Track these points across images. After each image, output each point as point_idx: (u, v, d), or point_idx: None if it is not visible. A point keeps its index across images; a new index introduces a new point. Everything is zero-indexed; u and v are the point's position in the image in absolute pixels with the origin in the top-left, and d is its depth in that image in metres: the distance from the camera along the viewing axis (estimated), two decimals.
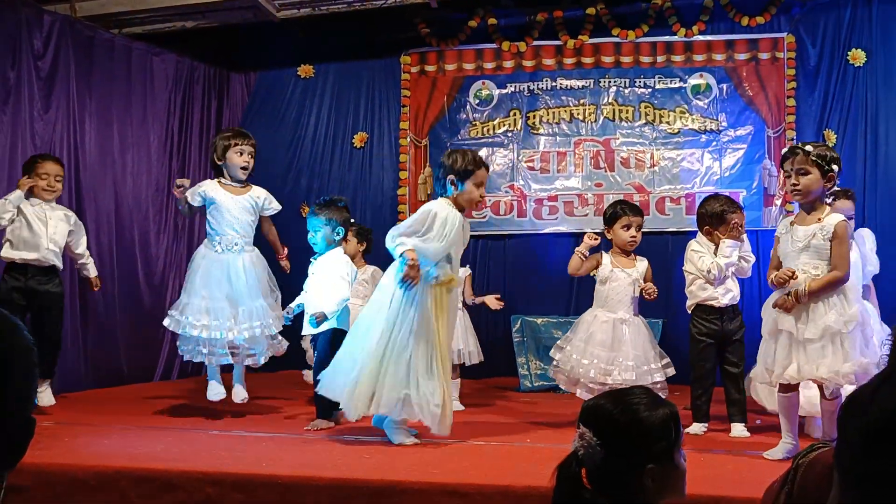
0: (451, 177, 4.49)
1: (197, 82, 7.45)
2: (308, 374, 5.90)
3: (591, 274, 5.27)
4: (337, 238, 5.21)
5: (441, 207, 4.48)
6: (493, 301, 5.91)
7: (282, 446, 4.40)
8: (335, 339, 4.88)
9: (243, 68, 7.81)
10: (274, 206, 5.43)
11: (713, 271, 4.89)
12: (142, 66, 6.95)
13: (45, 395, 5.16)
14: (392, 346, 4.37)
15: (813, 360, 3.96)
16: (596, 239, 5.19)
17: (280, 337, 5.30)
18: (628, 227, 5.14)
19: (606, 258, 5.19)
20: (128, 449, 4.23)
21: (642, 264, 5.21)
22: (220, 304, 5.06)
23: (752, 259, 5.19)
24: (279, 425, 5.02)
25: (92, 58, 6.50)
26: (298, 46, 7.57)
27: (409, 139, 7.52)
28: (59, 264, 5.33)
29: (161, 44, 7.09)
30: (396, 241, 4.42)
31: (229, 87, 7.80)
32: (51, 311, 5.27)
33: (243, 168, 5.26)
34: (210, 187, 5.25)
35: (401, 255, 4.38)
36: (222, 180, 5.28)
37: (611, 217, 5.23)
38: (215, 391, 5.25)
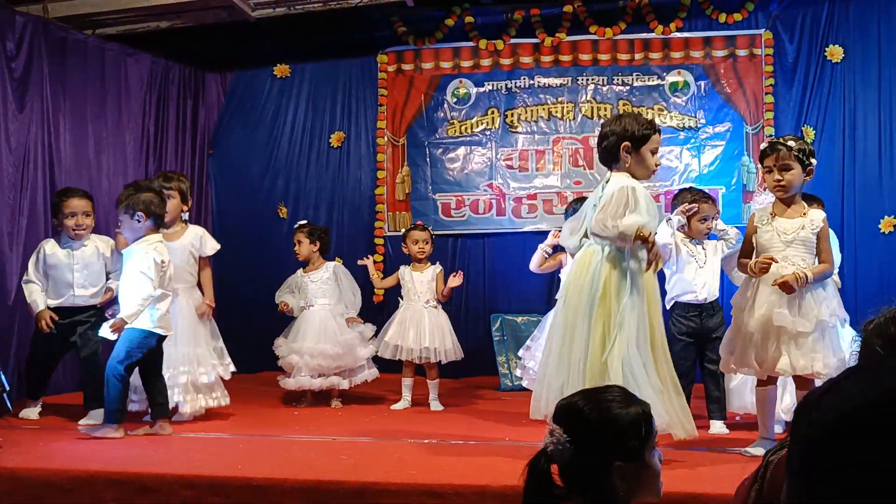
0: (625, 144, 3.95)
1: (172, 83, 7.38)
2: (282, 379, 5.85)
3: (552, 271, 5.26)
4: (139, 225, 4.67)
5: (630, 181, 3.91)
6: (452, 280, 5.85)
7: (257, 448, 4.37)
8: (145, 342, 4.66)
9: (219, 68, 7.74)
10: (209, 246, 5.32)
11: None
12: (116, 66, 6.87)
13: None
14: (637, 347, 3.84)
15: (807, 354, 3.98)
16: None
17: (219, 388, 5.23)
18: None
19: (569, 259, 5.16)
20: (103, 452, 4.21)
21: None
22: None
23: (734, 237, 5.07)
24: (254, 427, 4.97)
25: (65, 59, 6.43)
26: (274, 46, 7.52)
27: (386, 138, 7.48)
28: (98, 301, 5.24)
29: (135, 44, 7.01)
30: (615, 226, 3.78)
31: (205, 88, 7.73)
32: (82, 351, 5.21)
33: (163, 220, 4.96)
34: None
35: (616, 242, 3.84)
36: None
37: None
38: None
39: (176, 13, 6.78)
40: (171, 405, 4.92)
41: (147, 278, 4.59)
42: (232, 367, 5.33)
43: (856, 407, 0.94)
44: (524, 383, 5.15)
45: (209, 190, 7.69)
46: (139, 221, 4.65)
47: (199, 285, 5.41)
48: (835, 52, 6.93)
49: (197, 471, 3.78)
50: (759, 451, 4.07)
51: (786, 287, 3.99)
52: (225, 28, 7.08)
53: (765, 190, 6.69)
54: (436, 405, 5.75)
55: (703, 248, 5.05)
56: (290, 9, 6.86)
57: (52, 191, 6.19)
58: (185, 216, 5.40)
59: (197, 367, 5.08)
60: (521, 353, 5.27)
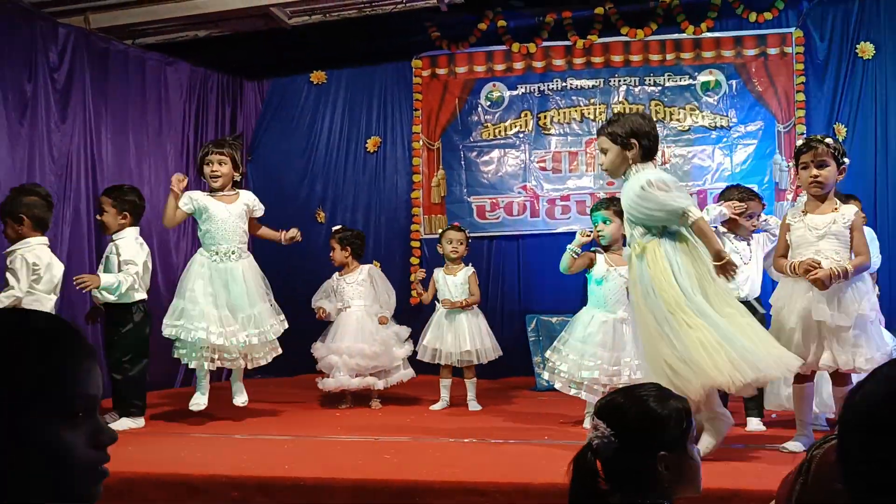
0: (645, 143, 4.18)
1: (211, 91, 7.52)
2: (321, 381, 5.96)
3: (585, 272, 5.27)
4: (19, 228, 4.79)
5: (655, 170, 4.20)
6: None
7: (303, 448, 4.45)
8: None
9: (256, 76, 7.88)
10: (259, 208, 5.47)
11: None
12: (156, 75, 7.02)
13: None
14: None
15: (848, 349, 4.00)
16: (588, 235, 5.20)
17: (276, 341, 5.39)
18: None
19: (600, 258, 5.18)
20: (150, 454, 4.27)
21: None
22: (224, 311, 5.14)
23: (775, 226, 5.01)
24: (297, 428, 5.07)
25: (107, 69, 6.58)
26: (310, 53, 7.63)
27: (421, 142, 7.57)
28: (111, 300, 5.21)
29: (174, 53, 7.16)
30: (691, 210, 4.01)
31: (243, 95, 7.87)
32: (107, 347, 5.25)
33: (213, 177, 5.32)
34: (199, 195, 5.34)
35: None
36: (209, 192, 5.38)
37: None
38: (198, 401, 5.24)
39: (214, 22, 6.92)
40: (244, 360, 5.24)
41: (15, 279, 4.67)
42: (285, 325, 5.44)
43: (880, 397, 0.99)
44: (557, 385, 5.18)
45: None
46: (19, 224, 4.76)
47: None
48: (866, 49, 6.92)
49: (244, 471, 3.83)
50: (798, 447, 4.11)
51: (818, 283, 4.02)
52: (262, 36, 7.20)
53: (795, 191, 6.73)
54: (474, 405, 5.83)
55: (749, 245, 5.07)
56: (326, 16, 6.97)
57: (94, 200, 6.33)
58: (239, 179, 5.51)
59: (262, 325, 5.24)
60: (548, 354, 5.27)
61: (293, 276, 7.19)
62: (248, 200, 5.41)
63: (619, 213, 4.90)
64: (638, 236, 4.12)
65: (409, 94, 7.60)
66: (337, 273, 6.19)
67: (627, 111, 7.29)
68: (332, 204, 7.70)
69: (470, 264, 6.14)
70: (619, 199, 5.19)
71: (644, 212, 4.05)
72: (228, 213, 5.28)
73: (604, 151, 4.25)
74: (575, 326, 5.14)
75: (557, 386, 5.15)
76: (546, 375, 5.30)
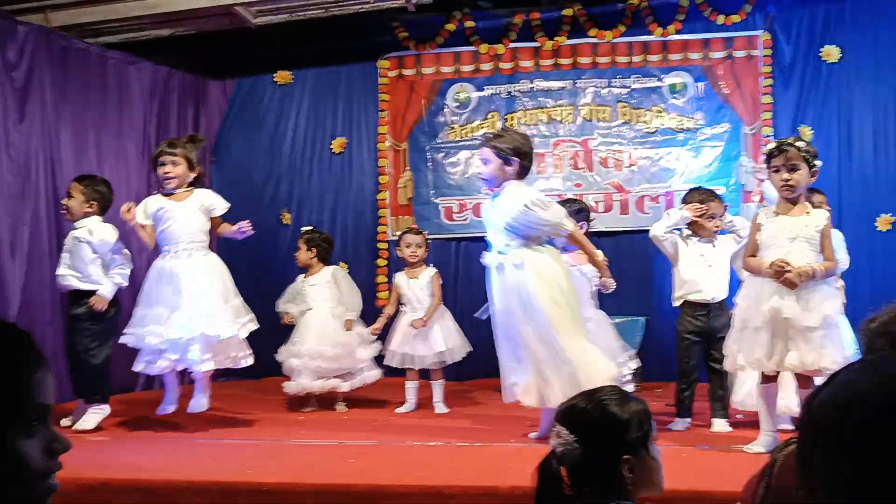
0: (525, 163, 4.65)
1: (174, 90, 7.41)
2: (285, 384, 5.88)
3: None
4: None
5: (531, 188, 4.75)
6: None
7: (266, 453, 4.40)
8: None
9: (221, 76, 7.78)
10: (219, 206, 5.25)
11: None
12: (117, 75, 6.90)
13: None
14: None
15: (815, 349, 4.01)
16: None
17: (244, 349, 5.14)
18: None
19: (564, 257, 5.18)
20: (111, 459, 4.22)
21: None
22: (174, 312, 4.93)
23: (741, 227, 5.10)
24: (261, 432, 5.01)
25: (67, 68, 6.46)
26: (276, 53, 7.55)
27: (388, 143, 7.52)
28: (84, 286, 5.17)
29: (137, 52, 7.04)
30: (565, 223, 4.60)
31: (207, 95, 7.77)
32: (73, 334, 5.20)
33: (166, 179, 5.15)
34: (153, 201, 5.19)
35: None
36: (163, 191, 5.23)
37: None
38: (164, 406, 5.12)
39: (177, 21, 6.82)
40: (187, 364, 4.98)
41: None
42: (252, 325, 5.20)
43: (846, 401, 0.97)
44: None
45: None
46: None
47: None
48: (831, 53, 6.98)
49: (206, 476, 3.79)
50: (761, 448, 4.12)
51: (788, 283, 4.03)
52: (226, 35, 7.12)
53: (760, 200, 6.77)
54: (441, 407, 5.79)
55: (713, 247, 5.08)
56: (292, 15, 6.90)
57: (54, 200, 6.21)
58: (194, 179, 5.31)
59: (214, 324, 4.96)
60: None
61: (259, 278, 7.11)
62: (203, 198, 5.23)
63: (573, 214, 5.11)
64: (515, 247, 4.52)
65: (376, 95, 7.54)
66: (301, 275, 6.13)
67: (594, 113, 7.32)
68: (297, 205, 7.62)
69: (431, 265, 6.11)
70: (569, 201, 5.27)
71: (526, 227, 4.50)
72: (181, 212, 5.11)
73: (485, 162, 4.63)
74: None
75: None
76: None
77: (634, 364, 5.10)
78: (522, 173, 4.65)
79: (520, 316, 4.50)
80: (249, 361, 5.19)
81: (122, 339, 5.06)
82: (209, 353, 4.96)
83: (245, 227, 5.28)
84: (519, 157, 4.58)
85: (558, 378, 4.39)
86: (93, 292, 5.12)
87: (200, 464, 4.11)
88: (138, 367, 5.07)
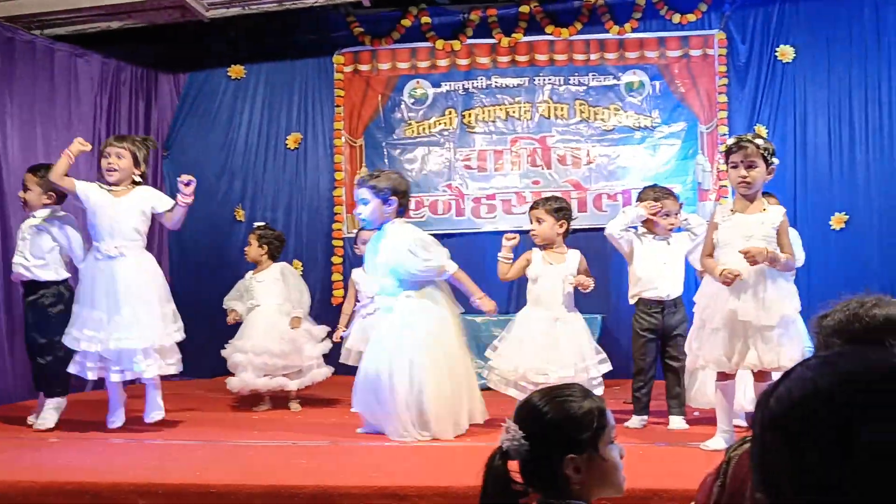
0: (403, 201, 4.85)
1: (124, 84, 7.25)
2: (228, 381, 5.78)
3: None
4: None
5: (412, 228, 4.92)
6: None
7: (215, 454, 4.29)
8: None
9: (172, 69, 7.62)
10: (162, 203, 5.07)
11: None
12: (65, 67, 6.73)
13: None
14: None
15: (773, 348, 4.01)
16: (514, 238, 5.18)
17: (174, 355, 4.98)
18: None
19: (537, 255, 5.14)
20: (56, 461, 4.12)
21: (573, 258, 5.14)
22: (99, 314, 4.79)
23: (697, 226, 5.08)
24: (210, 432, 4.89)
25: (12, 60, 6.28)
26: (229, 47, 7.42)
27: (343, 139, 7.42)
28: (41, 277, 5.09)
29: (85, 45, 6.88)
30: (447, 265, 4.80)
31: (158, 89, 7.60)
32: (32, 325, 5.10)
33: (108, 171, 4.96)
34: (88, 185, 4.98)
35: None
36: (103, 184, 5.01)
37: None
38: (112, 418, 4.92)
39: (127, 13, 6.67)
40: (121, 371, 4.82)
41: None
42: (179, 336, 5.04)
43: (801, 398, 0.96)
44: (491, 385, 5.14)
45: (164, 192, 7.53)
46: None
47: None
48: (785, 52, 7.03)
49: (152, 478, 3.69)
50: (718, 444, 4.11)
51: (750, 258, 4.01)
52: (178, 28, 6.98)
53: (718, 192, 6.81)
54: None
55: (669, 244, 5.07)
56: (245, 8, 6.78)
57: (0, 195, 6.06)
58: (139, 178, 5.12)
59: (154, 332, 4.84)
60: (487, 353, 5.24)
61: (212, 275, 7.01)
62: (144, 196, 5.02)
63: (551, 212, 5.11)
64: (395, 288, 4.71)
65: (331, 91, 7.44)
66: (250, 272, 6.04)
67: (552, 110, 7.30)
68: (251, 202, 7.49)
69: None
70: (550, 199, 5.23)
71: (410, 269, 4.66)
72: (114, 207, 4.90)
73: (363, 202, 4.75)
74: (513, 325, 5.12)
75: (492, 386, 5.12)
76: (485, 374, 5.26)
77: (605, 367, 5.05)
78: (401, 212, 4.81)
79: (386, 356, 4.63)
80: (179, 368, 5.06)
81: (64, 339, 4.87)
82: (151, 359, 4.84)
83: (185, 181, 5.00)
84: (397, 196, 4.72)
85: (399, 416, 4.54)
86: (53, 281, 5.06)
87: (148, 466, 4.00)
88: (73, 368, 4.89)
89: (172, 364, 5.00)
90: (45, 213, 5.14)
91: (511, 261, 5.18)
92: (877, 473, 0.88)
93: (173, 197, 5.10)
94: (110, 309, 4.78)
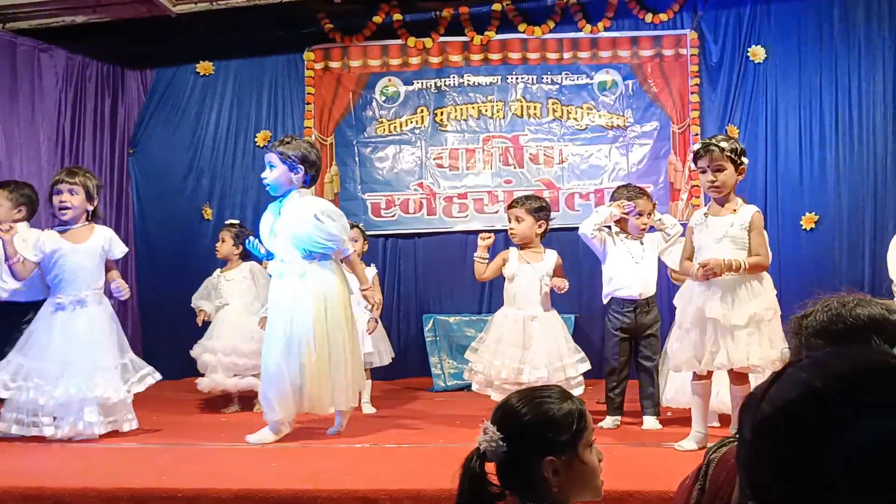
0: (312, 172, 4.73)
1: (89, 80, 7.10)
2: (200, 381, 5.69)
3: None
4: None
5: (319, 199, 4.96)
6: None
7: (183, 457, 4.20)
8: None
9: (139, 65, 7.47)
10: (119, 249, 4.95)
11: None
12: (28, 62, 6.58)
13: None
14: None
15: (742, 347, 4.01)
16: (489, 237, 5.17)
17: (129, 412, 4.77)
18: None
19: (513, 254, 5.13)
20: (17, 466, 4.02)
21: (550, 258, 5.14)
22: (48, 365, 4.59)
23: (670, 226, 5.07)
24: (178, 435, 4.79)
25: None
26: (197, 42, 7.28)
27: (314, 137, 7.32)
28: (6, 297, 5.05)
29: (49, 39, 6.73)
30: (347, 243, 4.72)
31: (124, 85, 7.44)
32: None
33: (62, 209, 4.80)
34: (50, 239, 4.79)
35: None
36: (58, 228, 4.85)
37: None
38: None
39: (92, 7, 6.53)
40: (75, 425, 4.58)
41: None
42: (151, 379, 4.91)
43: (795, 399, 0.96)
44: (474, 387, 5.11)
45: (130, 191, 7.42)
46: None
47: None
48: (757, 53, 7.05)
49: (119, 483, 3.62)
50: (692, 445, 4.10)
51: (708, 271, 4.01)
52: (145, 23, 6.84)
53: (689, 192, 6.82)
54: (368, 408, 5.65)
55: (642, 244, 5.06)
56: (213, 4, 6.67)
57: None
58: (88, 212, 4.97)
59: (101, 383, 4.64)
60: (466, 354, 5.22)
61: (178, 275, 6.89)
62: (104, 240, 4.87)
63: (531, 212, 5.12)
64: (298, 258, 4.57)
65: (301, 88, 7.33)
66: (218, 270, 5.95)
67: (524, 109, 7.27)
68: (219, 200, 7.37)
69: (373, 265, 6.02)
70: (531, 198, 5.20)
71: (314, 237, 4.54)
72: (78, 256, 4.76)
73: (270, 167, 4.65)
74: (491, 326, 5.10)
75: (475, 388, 5.10)
76: (466, 375, 5.23)
77: (584, 367, 5.02)
78: (309, 182, 4.71)
79: (287, 323, 4.54)
80: (134, 426, 4.79)
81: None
82: (102, 416, 4.64)
83: (121, 288, 4.90)
84: (304, 166, 4.61)
85: (282, 391, 4.50)
86: (31, 304, 4.98)
87: (113, 470, 3.92)
88: (4, 425, 4.58)
89: (127, 420, 4.77)
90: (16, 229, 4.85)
91: (487, 261, 5.15)
92: (870, 474, 0.87)
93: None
94: (62, 361, 4.60)
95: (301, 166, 4.60)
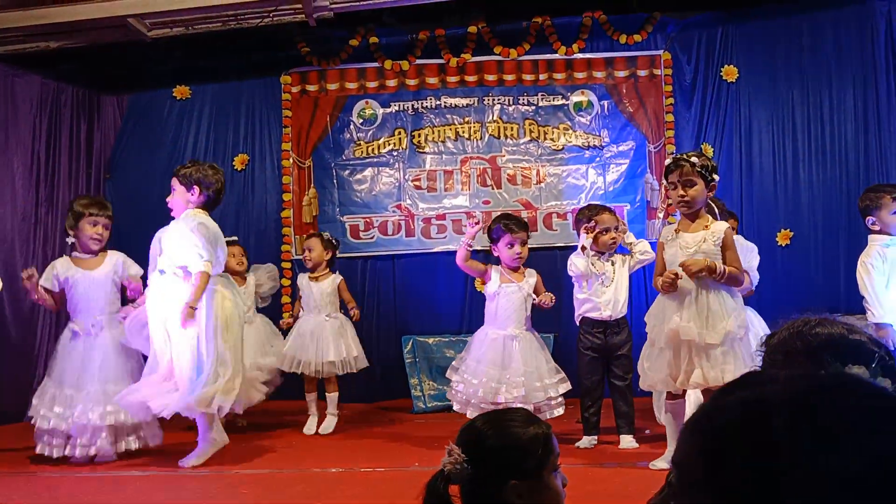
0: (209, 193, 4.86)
1: (65, 105, 7.07)
2: None
3: (479, 290, 5.20)
4: None
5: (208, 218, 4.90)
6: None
7: (155, 485, 4.16)
8: None
9: (115, 90, 7.45)
10: (133, 270, 5.08)
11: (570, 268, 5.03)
12: (2, 88, 6.56)
13: None
14: None
15: (717, 365, 4.01)
16: (478, 223, 5.18)
17: (154, 429, 4.90)
18: (512, 244, 5.07)
19: (495, 273, 5.12)
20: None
21: (532, 277, 5.15)
22: (68, 391, 4.74)
23: (641, 250, 5.15)
24: (152, 461, 4.74)
25: None
26: (173, 67, 7.28)
27: (291, 160, 7.33)
28: None
29: (23, 65, 6.70)
30: (200, 263, 4.63)
31: (100, 110, 7.41)
32: None
33: (95, 239, 4.96)
34: (62, 266, 4.94)
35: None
36: (74, 255, 4.99)
37: (494, 236, 5.16)
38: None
39: (67, 33, 6.51)
40: (92, 448, 4.70)
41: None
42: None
43: (764, 410, 0.94)
44: (455, 407, 5.09)
45: None
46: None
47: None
48: (730, 72, 7.12)
49: None
50: (667, 464, 4.08)
51: (686, 269, 4.01)
52: (120, 48, 6.84)
53: (666, 211, 6.85)
54: (331, 420, 5.64)
55: (612, 264, 5.06)
56: (189, 28, 6.67)
57: None
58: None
59: (113, 409, 4.71)
60: (448, 374, 5.20)
61: None
62: (115, 264, 5.01)
63: (527, 241, 5.17)
64: (176, 266, 4.64)
65: (279, 111, 7.34)
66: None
67: (501, 130, 7.29)
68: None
69: (337, 272, 6.00)
70: (513, 218, 5.20)
71: (183, 247, 4.61)
72: (91, 282, 4.91)
73: (172, 189, 4.84)
74: (472, 345, 5.09)
75: (456, 407, 5.07)
76: (448, 395, 5.21)
77: (565, 387, 5.01)
78: (207, 204, 4.81)
79: (166, 332, 4.61)
80: (158, 441, 4.94)
81: (31, 412, 4.81)
82: (115, 439, 4.79)
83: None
84: (199, 186, 4.73)
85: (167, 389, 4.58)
86: None
87: (83, 499, 3.86)
88: (40, 447, 4.77)
89: (144, 437, 4.90)
90: None
91: (471, 246, 5.18)
92: (809, 493, 0.85)
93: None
94: (79, 385, 4.74)
95: (195, 187, 4.72)
